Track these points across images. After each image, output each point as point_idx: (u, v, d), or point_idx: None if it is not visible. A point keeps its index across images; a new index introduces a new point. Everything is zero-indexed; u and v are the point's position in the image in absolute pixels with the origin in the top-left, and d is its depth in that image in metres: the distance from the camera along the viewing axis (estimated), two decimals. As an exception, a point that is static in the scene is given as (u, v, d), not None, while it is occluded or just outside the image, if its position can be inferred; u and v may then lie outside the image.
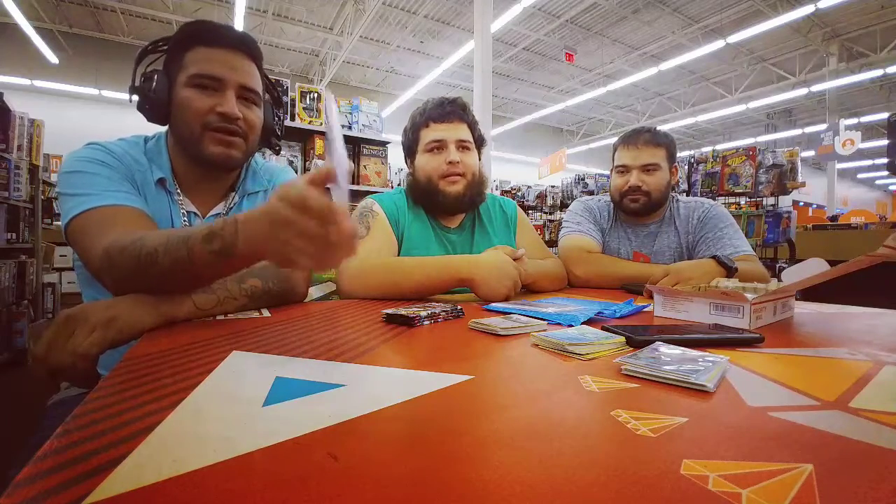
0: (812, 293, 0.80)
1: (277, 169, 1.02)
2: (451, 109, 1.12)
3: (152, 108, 0.81)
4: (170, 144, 0.87)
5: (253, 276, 0.74)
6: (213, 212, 0.89)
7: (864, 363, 0.47)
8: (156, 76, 0.80)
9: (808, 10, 7.60)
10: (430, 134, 1.12)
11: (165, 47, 0.84)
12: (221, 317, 0.68)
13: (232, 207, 0.90)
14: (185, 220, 0.85)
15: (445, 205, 1.13)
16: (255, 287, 0.74)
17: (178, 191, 0.85)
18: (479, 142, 1.18)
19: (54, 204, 6.58)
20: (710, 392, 0.37)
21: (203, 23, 0.81)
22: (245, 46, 0.83)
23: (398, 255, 1.10)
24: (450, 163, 1.09)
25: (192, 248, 0.58)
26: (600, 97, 12.24)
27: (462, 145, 1.12)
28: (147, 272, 0.61)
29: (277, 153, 1.07)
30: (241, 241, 0.55)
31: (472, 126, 1.16)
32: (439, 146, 1.11)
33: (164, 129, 0.88)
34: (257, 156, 1.00)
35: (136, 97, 0.82)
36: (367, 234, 1.06)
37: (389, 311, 0.66)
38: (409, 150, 1.19)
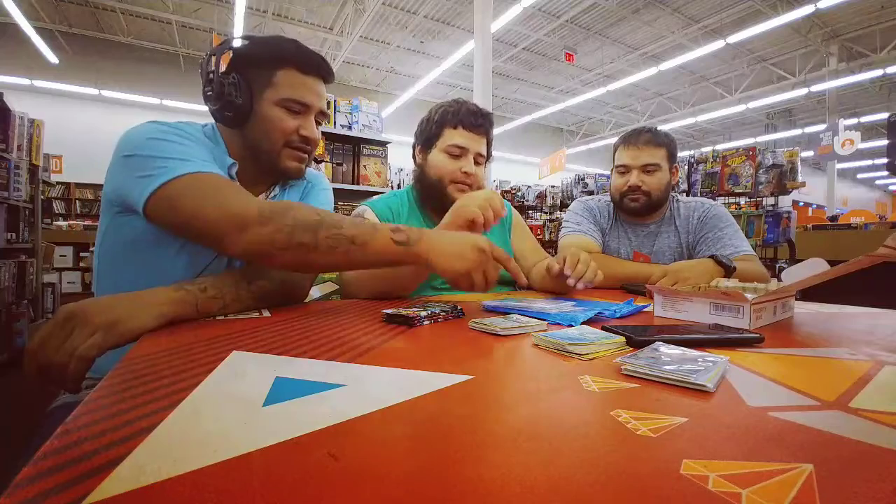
0: (812, 293, 0.80)
1: (315, 172, 1.07)
2: (482, 122, 1.15)
3: (233, 113, 0.82)
4: (228, 139, 0.89)
5: (261, 278, 0.75)
6: None
7: (864, 363, 0.47)
8: (238, 82, 0.81)
9: (808, 10, 7.60)
10: (457, 138, 1.13)
11: (244, 45, 0.84)
12: (221, 317, 0.68)
13: (272, 196, 0.94)
14: None
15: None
16: (262, 287, 0.75)
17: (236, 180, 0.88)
18: (488, 157, 1.22)
19: (54, 204, 6.59)
20: (710, 392, 0.37)
21: (296, 45, 0.86)
22: (329, 74, 0.90)
23: None
24: (465, 172, 1.13)
25: (380, 231, 0.69)
26: (600, 97, 12.25)
27: (479, 159, 1.16)
28: (319, 235, 0.67)
29: (318, 162, 1.16)
30: (423, 243, 0.70)
31: (489, 143, 1.20)
32: (460, 153, 1.13)
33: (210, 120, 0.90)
34: None
35: (217, 101, 0.82)
36: None
37: (389, 311, 0.66)
38: (427, 141, 1.18)
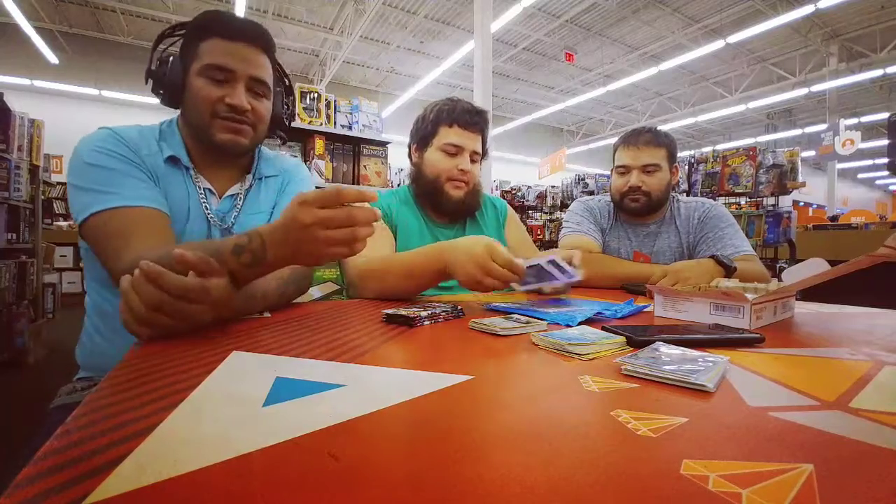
0: (812, 293, 0.80)
1: (292, 161, 1.05)
2: (477, 120, 1.16)
3: (166, 92, 0.84)
4: (181, 127, 0.89)
5: (276, 279, 0.76)
6: (230, 191, 0.91)
7: (864, 363, 0.47)
8: (171, 61, 0.83)
9: (808, 10, 7.59)
10: (452, 136, 1.14)
11: (182, 31, 0.86)
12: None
13: (249, 188, 0.93)
14: (202, 197, 0.86)
15: (447, 206, 1.16)
16: (282, 290, 0.77)
17: (193, 166, 0.87)
18: (484, 154, 1.23)
19: (55, 204, 6.58)
20: (710, 392, 0.37)
21: (219, 14, 0.84)
22: (258, 39, 0.85)
23: (395, 246, 1.14)
24: (461, 170, 1.14)
25: (225, 261, 0.61)
26: (600, 97, 12.24)
27: (474, 156, 1.17)
28: None
29: (284, 143, 1.11)
30: (269, 252, 0.61)
31: (485, 140, 1.21)
32: (456, 151, 1.14)
33: (176, 112, 0.90)
34: (265, 146, 1.02)
35: (151, 81, 0.84)
36: None
37: (389, 311, 0.66)
38: (423, 140, 1.19)
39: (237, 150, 0.86)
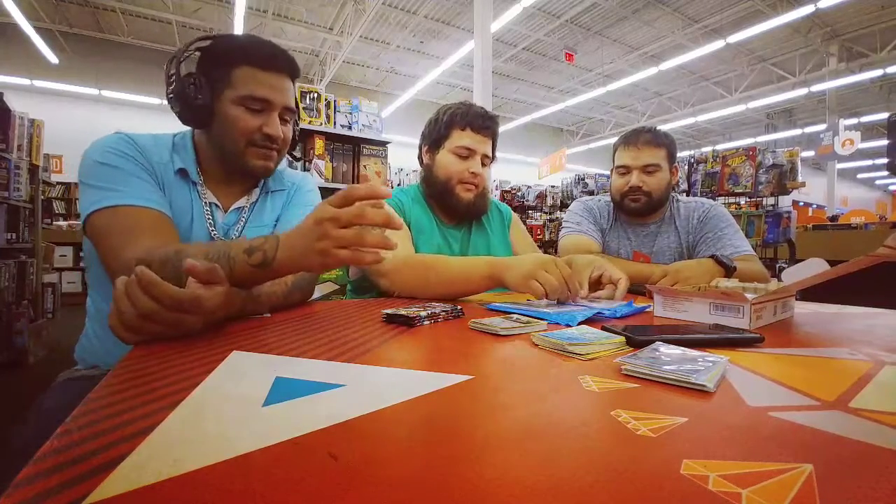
0: (812, 293, 0.80)
1: (300, 175, 1.07)
2: (490, 125, 1.18)
3: (194, 114, 0.83)
4: (198, 142, 0.90)
5: (282, 284, 0.78)
6: (235, 205, 0.92)
7: (864, 363, 0.47)
8: (198, 83, 0.81)
9: (808, 10, 7.59)
10: (465, 139, 1.16)
11: (206, 45, 0.84)
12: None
13: (255, 202, 0.94)
14: (206, 211, 0.87)
15: (457, 208, 1.18)
16: (287, 293, 0.79)
17: (202, 181, 0.88)
18: (493, 158, 1.25)
19: (54, 204, 6.59)
20: (710, 392, 0.37)
21: (254, 43, 0.85)
22: (289, 68, 0.87)
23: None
24: (472, 173, 1.16)
25: (235, 259, 0.63)
26: (600, 97, 12.24)
27: (485, 160, 1.20)
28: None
29: (296, 158, 1.14)
30: (280, 254, 0.63)
31: (495, 144, 1.23)
32: (468, 154, 1.16)
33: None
34: None
35: (177, 102, 0.82)
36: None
37: (389, 311, 0.66)
38: (435, 142, 1.21)
39: (267, 174, 0.91)
